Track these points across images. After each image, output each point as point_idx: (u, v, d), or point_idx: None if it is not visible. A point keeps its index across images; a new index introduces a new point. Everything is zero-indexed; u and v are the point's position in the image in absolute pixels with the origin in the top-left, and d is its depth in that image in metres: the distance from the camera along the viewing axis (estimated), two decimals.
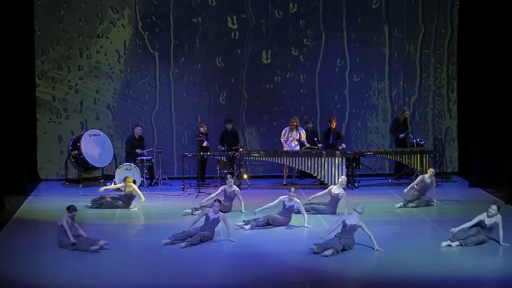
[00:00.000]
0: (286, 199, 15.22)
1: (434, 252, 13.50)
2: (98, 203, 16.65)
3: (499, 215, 13.82)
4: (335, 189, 16.13)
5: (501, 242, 13.73)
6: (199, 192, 17.96)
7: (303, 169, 18.82)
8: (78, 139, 18.88)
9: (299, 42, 20.02)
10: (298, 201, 15.31)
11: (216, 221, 14.11)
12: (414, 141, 19.53)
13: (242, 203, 16.10)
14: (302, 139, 19.07)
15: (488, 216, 13.80)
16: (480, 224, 13.81)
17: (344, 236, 13.51)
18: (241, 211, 16.00)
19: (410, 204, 16.67)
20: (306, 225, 15.06)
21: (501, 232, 13.77)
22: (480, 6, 18.73)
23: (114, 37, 19.70)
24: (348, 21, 20.04)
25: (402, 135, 19.54)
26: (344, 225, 13.61)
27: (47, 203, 17.36)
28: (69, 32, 19.56)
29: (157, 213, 16.56)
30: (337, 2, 19.99)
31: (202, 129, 19.05)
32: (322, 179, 18.68)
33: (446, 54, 20.28)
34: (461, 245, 13.66)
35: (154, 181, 19.05)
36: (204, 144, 18.87)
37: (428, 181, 16.80)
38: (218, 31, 19.88)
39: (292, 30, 19.99)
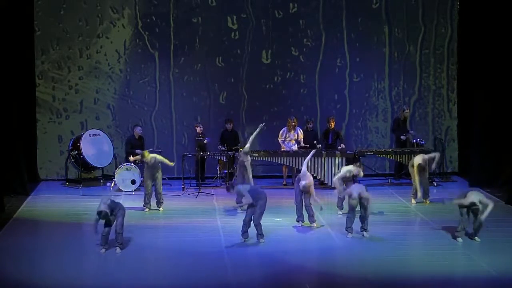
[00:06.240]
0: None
1: (433, 252, 13.50)
2: None
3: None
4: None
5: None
6: (199, 192, 17.97)
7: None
8: (78, 139, 18.89)
9: (299, 42, 20.02)
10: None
11: None
12: (414, 141, 19.51)
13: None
14: (299, 139, 19.06)
15: None
16: None
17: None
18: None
19: None
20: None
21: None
22: (480, 6, 18.73)
23: (114, 37, 19.71)
24: (348, 21, 20.04)
25: (403, 137, 19.49)
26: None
27: (47, 203, 17.37)
28: (69, 32, 19.57)
29: (156, 214, 16.55)
30: (337, 2, 19.99)
31: (198, 129, 19.04)
32: (322, 179, 18.69)
33: (446, 54, 20.27)
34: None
35: None
36: (205, 141, 18.85)
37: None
38: (218, 31, 19.88)
39: (292, 30, 19.99)
